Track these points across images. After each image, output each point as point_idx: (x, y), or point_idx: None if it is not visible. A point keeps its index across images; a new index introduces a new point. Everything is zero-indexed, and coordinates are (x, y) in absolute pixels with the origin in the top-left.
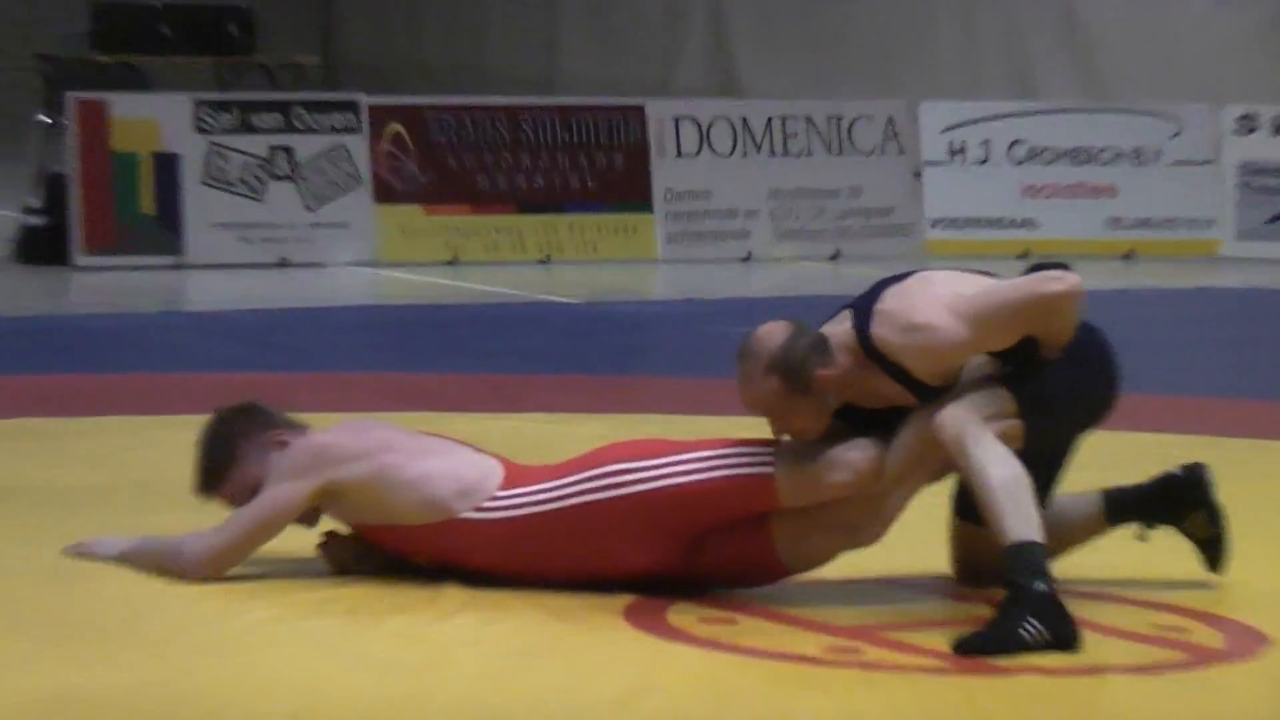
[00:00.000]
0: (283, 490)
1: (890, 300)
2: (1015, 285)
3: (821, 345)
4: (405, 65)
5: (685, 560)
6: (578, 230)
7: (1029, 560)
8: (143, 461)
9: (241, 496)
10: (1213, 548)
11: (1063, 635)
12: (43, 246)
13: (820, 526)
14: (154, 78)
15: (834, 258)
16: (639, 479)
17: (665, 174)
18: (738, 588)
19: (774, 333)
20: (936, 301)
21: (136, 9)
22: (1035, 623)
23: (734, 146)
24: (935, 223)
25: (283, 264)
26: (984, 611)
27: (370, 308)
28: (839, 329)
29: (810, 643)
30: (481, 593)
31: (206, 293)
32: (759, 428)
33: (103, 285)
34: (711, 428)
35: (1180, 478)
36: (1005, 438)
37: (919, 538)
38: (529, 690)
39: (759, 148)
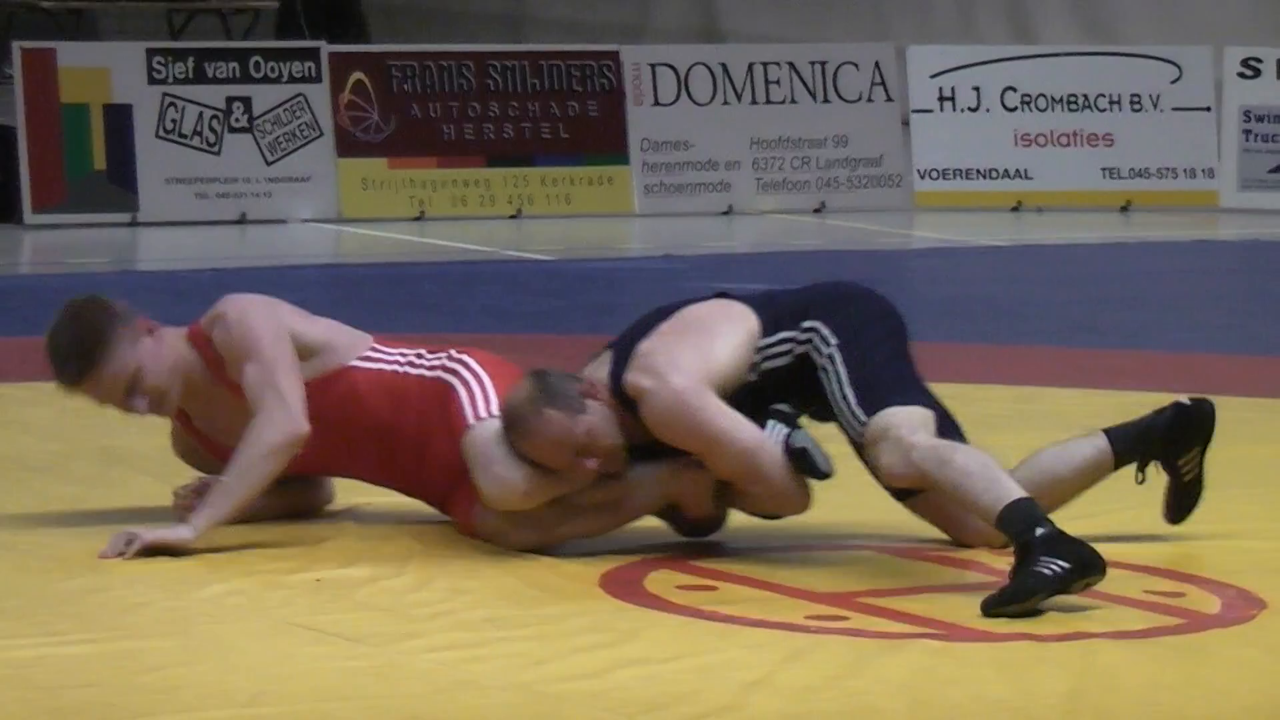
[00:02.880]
0: (282, 345)
1: (649, 342)
2: (738, 442)
3: (565, 373)
4: (364, 9)
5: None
6: (550, 183)
7: (1021, 515)
8: (100, 427)
9: (112, 388)
10: (1189, 493)
11: (1084, 560)
12: None
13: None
14: (102, 24)
15: (819, 210)
16: (450, 367)
17: (642, 123)
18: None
19: (520, 387)
20: (681, 366)
21: None
22: (1052, 560)
23: (714, 94)
24: (924, 173)
25: (242, 220)
26: (973, 577)
27: (332, 266)
28: (599, 373)
29: (794, 610)
30: (453, 560)
31: (162, 251)
32: None
33: (53, 244)
34: None
35: (1189, 409)
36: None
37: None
38: (503, 661)
39: (740, 95)
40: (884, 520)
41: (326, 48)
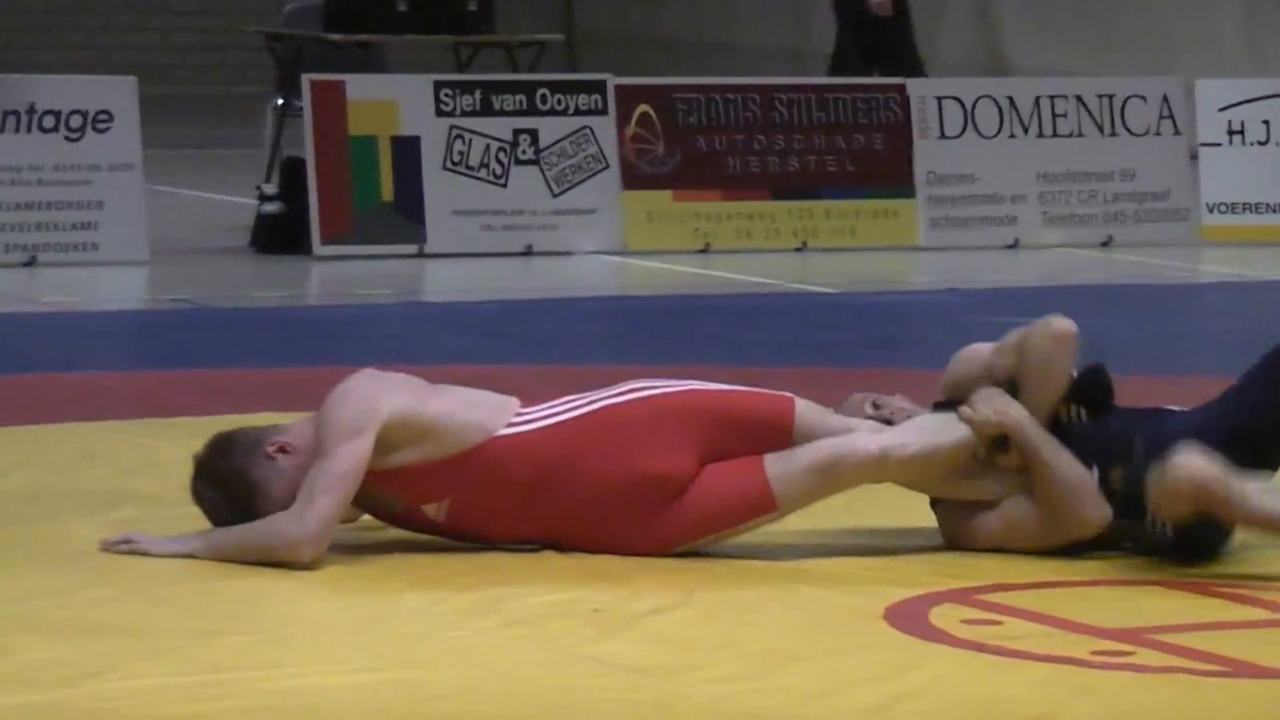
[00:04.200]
0: (351, 447)
1: None
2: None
3: None
4: (648, 41)
5: (693, 474)
6: (835, 215)
7: None
8: None
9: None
10: None
11: None
12: (279, 234)
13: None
14: (389, 58)
15: (1106, 244)
16: (661, 389)
17: (927, 156)
18: (725, 529)
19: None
20: None
21: None
22: None
23: (1000, 127)
24: (1213, 207)
25: (527, 252)
26: (1260, 614)
27: (617, 298)
28: None
29: (1079, 645)
30: (737, 592)
31: (447, 282)
32: None
33: (341, 275)
34: None
35: None
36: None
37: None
38: (785, 693)
39: (1026, 128)
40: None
41: (613, 80)
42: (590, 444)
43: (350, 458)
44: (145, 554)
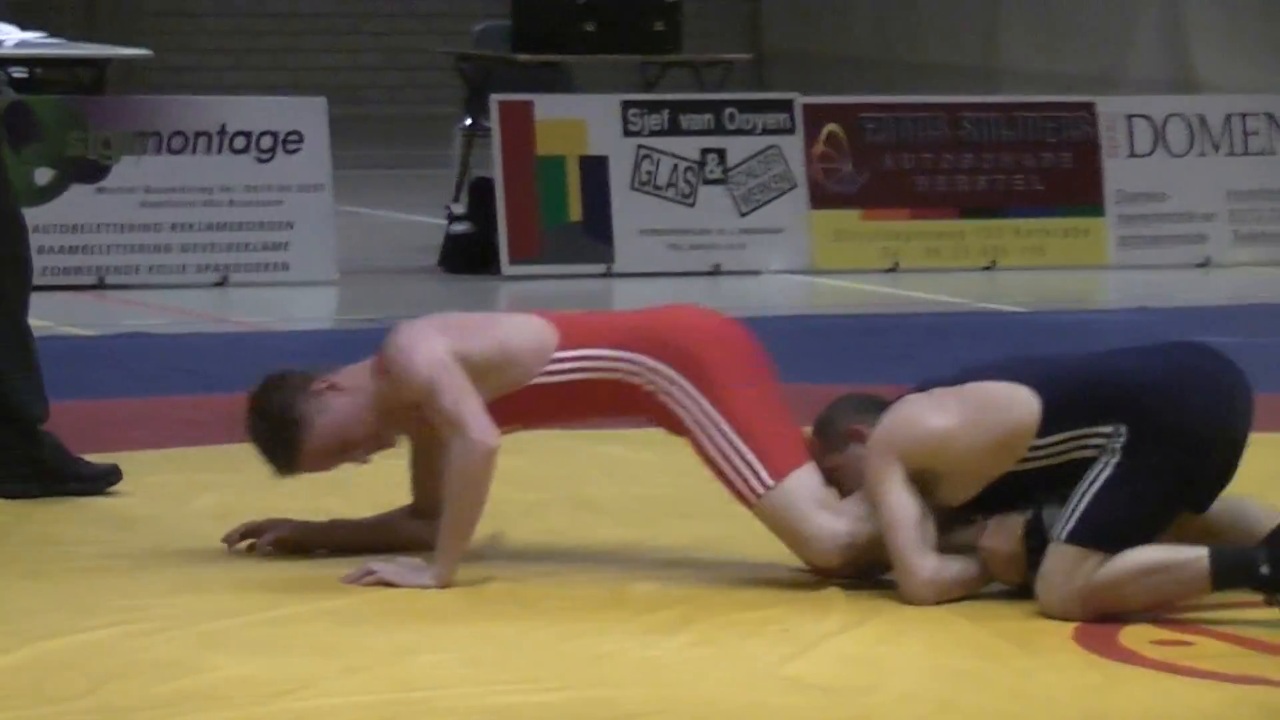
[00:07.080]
0: (428, 364)
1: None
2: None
3: (867, 404)
4: (836, 60)
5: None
6: (1023, 234)
7: (1236, 566)
8: (573, 477)
9: (326, 459)
10: None
11: None
12: (468, 254)
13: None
14: (576, 77)
15: None
16: (678, 396)
17: (1117, 174)
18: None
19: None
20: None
21: (559, 6)
22: None
23: (1190, 145)
24: None
25: (715, 271)
26: None
27: (805, 317)
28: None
29: (1271, 666)
30: (925, 612)
31: (636, 301)
32: None
33: (529, 295)
34: None
35: None
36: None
37: None
38: (978, 714)
39: (1217, 146)
40: None
41: (800, 99)
42: (588, 406)
43: (446, 373)
44: (388, 585)
